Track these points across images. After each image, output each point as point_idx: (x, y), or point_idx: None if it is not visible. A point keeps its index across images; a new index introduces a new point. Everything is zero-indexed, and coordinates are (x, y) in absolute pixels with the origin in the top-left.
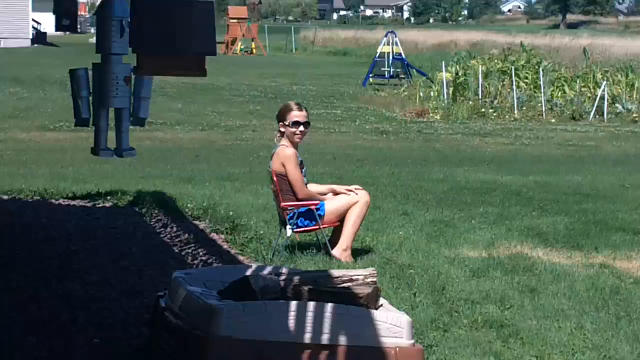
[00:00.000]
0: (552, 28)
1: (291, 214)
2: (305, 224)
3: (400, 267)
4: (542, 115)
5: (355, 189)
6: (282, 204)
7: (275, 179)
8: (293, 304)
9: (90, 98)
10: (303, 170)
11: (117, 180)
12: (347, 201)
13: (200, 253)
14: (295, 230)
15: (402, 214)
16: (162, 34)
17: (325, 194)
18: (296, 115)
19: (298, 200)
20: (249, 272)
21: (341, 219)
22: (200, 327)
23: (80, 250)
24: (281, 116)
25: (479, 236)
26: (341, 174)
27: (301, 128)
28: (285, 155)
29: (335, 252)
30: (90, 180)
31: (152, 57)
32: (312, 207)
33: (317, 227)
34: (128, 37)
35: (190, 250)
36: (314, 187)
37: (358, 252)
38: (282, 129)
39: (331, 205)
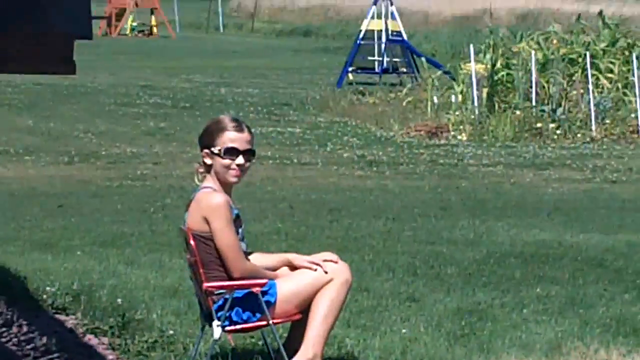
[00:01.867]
0: None
1: (220, 302)
2: (245, 317)
3: None
4: (638, 132)
5: (325, 260)
6: (206, 284)
7: (193, 243)
8: None
9: None
10: (240, 231)
11: None
12: (313, 279)
13: None
14: (227, 329)
15: (406, 299)
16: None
17: (276, 269)
18: (233, 138)
19: (232, 279)
20: None
21: (304, 309)
22: None
23: None
24: (208, 138)
25: (535, 335)
26: (303, 234)
27: (240, 160)
28: (210, 205)
29: None
30: None
31: None
32: (256, 289)
33: (265, 322)
34: None
35: None
36: (258, 259)
37: None
38: (209, 160)
39: (287, 287)
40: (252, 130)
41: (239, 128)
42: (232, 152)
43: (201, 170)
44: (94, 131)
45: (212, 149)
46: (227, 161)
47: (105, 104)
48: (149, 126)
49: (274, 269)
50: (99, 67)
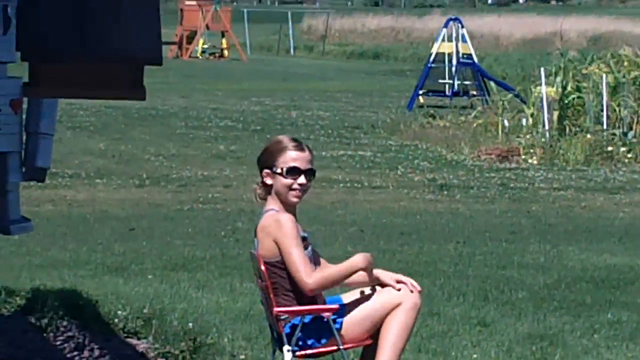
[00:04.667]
0: None
1: (290, 326)
2: (310, 343)
3: None
4: None
5: (398, 281)
6: (276, 309)
7: (263, 268)
8: None
9: None
10: (308, 251)
11: None
12: (381, 304)
13: None
14: (298, 354)
15: (477, 324)
16: (71, 28)
17: (360, 282)
18: (295, 157)
19: (303, 303)
20: None
21: (374, 333)
22: None
23: None
24: (268, 158)
25: None
26: (373, 258)
27: (302, 179)
28: (277, 224)
29: None
30: None
31: (55, 68)
32: (327, 314)
33: (336, 347)
34: (15, 35)
35: None
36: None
37: None
38: (269, 181)
39: (355, 312)
40: (323, 153)
41: (299, 147)
42: (294, 172)
43: (259, 191)
44: (165, 154)
45: (273, 168)
46: (289, 181)
47: (176, 127)
48: (219, 149)
49: (359, 283)
50: (170, 89)
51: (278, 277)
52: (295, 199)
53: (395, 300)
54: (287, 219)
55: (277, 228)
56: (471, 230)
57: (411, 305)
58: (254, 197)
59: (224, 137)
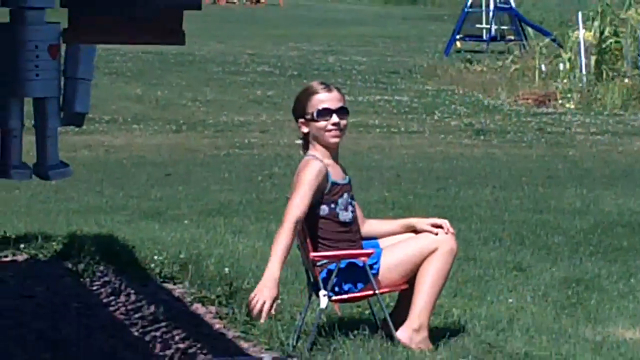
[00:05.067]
0: None
1: (326, 271)
2: (346, 288)
3: (512, 357)
4: None
5: (435, 225)
6: (312, 254)
7: None
8: None
9: None
10: (340, 201)
11: (35, 217)
12: (418, 249)
13: (177, 337)
14: (334, 298)
15: (513, 268)
16: None
17: (398, 234)
18: (324, 98)
19: (339, 249)
20: None
21: (410, 278)
22: None
23: None
24: (300, 107)
25: None
26: (410, 203)
27: (334, 119)
28: (304, 165)
29: (402, 334)
30: None
31: (93, 14)
32: (363, 259)
33: (372, 292)
34: None
35: (159, 333)
36: (378, 226)
37: (439, 334)
38: (305, 129)
39: (392, 257)
40: (360, 98)
41: (327, 89)
42: (324, 113)
43: (302, 143)
44: (202, 100)
45: (306, 116)
46: (322, 123)
47: (213, 73)
48: (256, 94)
49: (396, 234)
50: (207, 35)
51: (313, 222)
52: (334, 139)
53: (432, 246)
54: (315, 165)
55: (302, 169)
56: (508, 175)
57: (448, 250)
58: (301, 151)
59: (261, 83)
